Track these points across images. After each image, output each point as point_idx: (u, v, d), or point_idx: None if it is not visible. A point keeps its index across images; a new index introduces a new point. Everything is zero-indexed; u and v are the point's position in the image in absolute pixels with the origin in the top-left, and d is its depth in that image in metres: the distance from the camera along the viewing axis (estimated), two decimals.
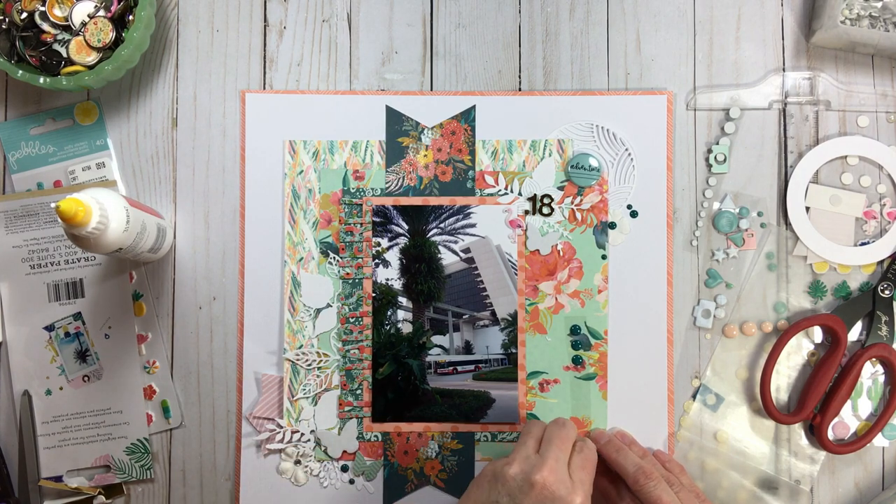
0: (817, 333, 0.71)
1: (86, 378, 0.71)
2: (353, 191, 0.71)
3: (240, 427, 0.71)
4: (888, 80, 0.72)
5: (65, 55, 0.69)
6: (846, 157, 0.71)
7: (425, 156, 0.71)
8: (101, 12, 0.69)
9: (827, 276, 0.71)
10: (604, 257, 0.71)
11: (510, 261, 0.71)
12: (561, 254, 0.71)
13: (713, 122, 0.72)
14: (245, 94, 0.72)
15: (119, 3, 0.69)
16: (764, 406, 0.69)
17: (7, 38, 0.70)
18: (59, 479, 0.71)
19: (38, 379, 0.71)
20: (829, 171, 0.71)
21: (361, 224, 0.71)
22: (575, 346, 0.70)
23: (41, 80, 0.67)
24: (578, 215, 0.71)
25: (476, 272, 0.71)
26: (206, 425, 0.71)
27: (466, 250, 0.71)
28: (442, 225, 0.71)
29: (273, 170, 0.72)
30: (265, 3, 0.73)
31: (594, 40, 0.72)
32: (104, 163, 0.72)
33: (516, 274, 0.71)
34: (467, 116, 0.72)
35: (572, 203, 0.71)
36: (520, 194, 0.71)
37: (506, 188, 0.71)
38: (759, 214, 0.71)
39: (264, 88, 0.72)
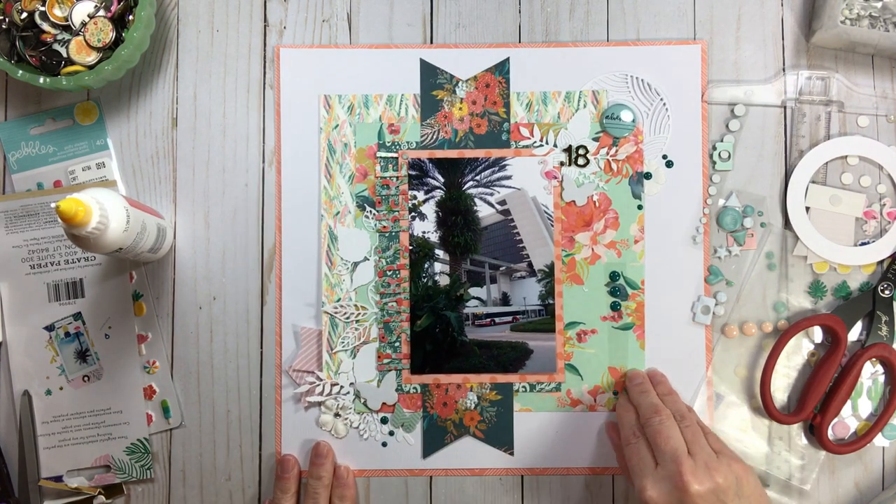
0: (817, 333, 0.71)
1: (86, 378, 0.71)
2: (388, 144, 0.71)
3: (280, 380, 0.71)
4: (888, 80, 0.72)
5: (65, 55, 0.69)
6: (846, 157, 0.71)
7: (460, 108, 0.71)
8: (101, 12, 0.69)
9: (827, 276, 0.71)
10: (640, 207, 0.71)
11: (546, 212, 0.71)
12: (597, 204, 0.71)
13: (719, 120, 0.72)
14: (279, 49, 0.72)
15: (119, 3, 0.69)
16: (764, 406, 0.69)
17: (7, 38, 0.70)
18: (59, 479, 0.71)
19: (38, 379, 0.71)
20: (830, 171, 0.71)
21: (397, 178, 0.71)
22: (613, 293, 0.70)
23: (41, 80, 0.67)
24: (614, 166, 0.71)
25: (512, 224, 0.71)
26: (206, 425, 0.71)
27: (502, 202, 0.71)
28: (478, 177, 0.71)
29: (308, 125, 0.72)
30: (265, 3, 0.73)
31: (594, 40, 0.72)
32: (104, 163, 0.72)
33: (552, 225, 0.71)
34: (501, 69, 0.72)
35: (608, 154, 0.71)
36: (555, 146, 0.71)
37: (541, 140, 0.71)
38: (760, 214, 0.71)
39: (265, 88, 0.72)
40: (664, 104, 0.71)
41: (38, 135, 0.73)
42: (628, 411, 0.66)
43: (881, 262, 0.71)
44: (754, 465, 0.70)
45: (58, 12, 0.70)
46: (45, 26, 0.69)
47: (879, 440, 0.70)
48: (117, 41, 0.69)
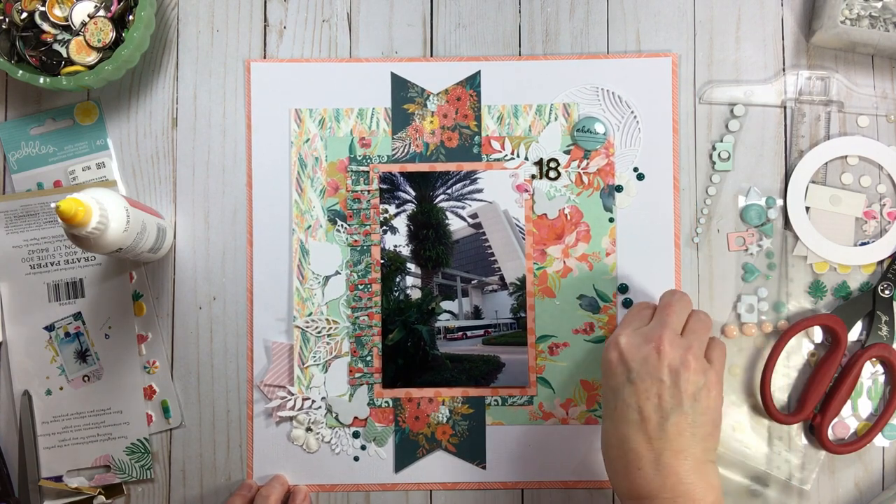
0: (817, 333, 0.71)
1: (86, 378, 0.71)
2: (359, 158, 0.71)
3: (251, 395, 0.71)
4: (888, 80, 0.72)
5: (65, 55, 0.69)
6: (846, 157, 0.71)
7: (431, 122, 0.71)
8: (101, 12, 0.69)
9: (827, 276, 0.71)
10: (611, 220, 0.71)
11: (518, 225, 0.71)
12: (568, 217, 0.71)
13: (719, 120, 0.72)
14: (250, 64, 0.72)
15: (119, 3, 0.69)
16: (764, 406, 0.69)
17: (7, 38, 0.70)
18: (59, 479, 0.71)
19: (38, 379, 0.71)
20: (830, 171, 0.71)
21: (369, 191, 0.71)
22: (585, 306, 0.70)
23: (41, 80, 0.67)
24: (585, 179, 0.71)
25: (484, 237, 0.71)
26: (206, 425, 0.71)
27: (474, 216, 0.71)
28: (449, 191, 0.71)
29: (279, 139, 0.72)
30: (265, 3, 0.73)
31: (594, 40, 0.72)
32: (104, 163, 0.72)
33: (524, 238, 0.71)
34: (472, 82, 0.72)
35: (579, 167, 0.71)
36: (526, 159, 0.71)
37: (512, 153, 0.71)
38: (771, 203, 0.71)
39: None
40: (635, 117, 0.71)
41: (38, 135, 0.73)
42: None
43: (881, 262, 0.70)
44: (754, 465, 0.70)
45: (58, 12, 0.70)
46: (45, 26, 0.69)
47: (879, 440, 0.70)
48: (117, 41, 0.69)
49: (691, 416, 0.58)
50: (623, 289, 0.70)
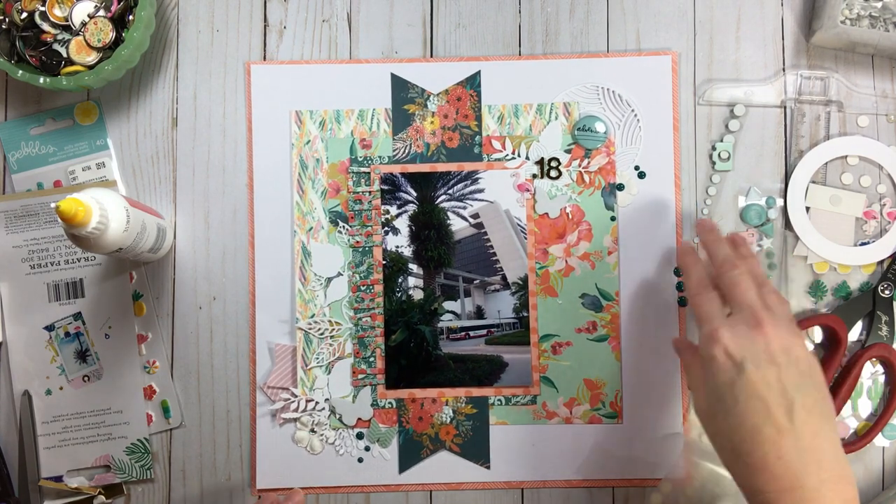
0: (817, 333, 0.71)
1: (86, 378, 0.71)
2: (360, 159, 0.71)
3: (254, 397, 0.71)
4: (888, 80, 0.72)
5: (65, 55, 0.69)
6: (846, 157, 0.71)
7: (432, 122, 0.71)
8: (101, 12, 0.69)
9: (827, 276, 0.71)
10: (613, 219, 0.71)
11: (519, 225, 0.71)
12: (570, 216, 0.71)
13: (719, 120, 0.72)
14: (250, 66, 0.72)
15: (119, 3, 0.69)
16: None
17: (7, 38, 0.70)
18: (59, 479, 0.71)
19: (38, 379, 0.71)
20: (830, 171, 0.71)
21: (370, 192, 0.71)
22: (586, 307, 0.70)
23: (41, 80, 0.67)
24: (586, 178, 0.71)
25: (486, 237, 0.71)
26: (206, 425, 0.71)
27: (475, 215, 0.71)
28: (450, 191, 0.71)
29: (280, 141, 0.72)
30: (265, 3, 0.73)
31: (594, 40, 0.72)
32: (104, 163, 0.72)
33: (525, 238, 0.71)
34: (473, 82, 0.72)
35: (580, 166, 0.71)
36: (527, 158, 0.71)
37: (513, 153, 0.71)
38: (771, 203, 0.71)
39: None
40: (635, 115, 0.71)
41: (38, 135, 0.73)
42: (696, 263, 0.63)
43: (881, 262, 0.71)
44: None
45: (58, 12, 0.70)
46: (45, 26, 0.69)
47: (879, 440, 0.70)
48: (117, 41, 0.69)
49: (813, 394, 0.56)
50: (678, 287, 0.70)
